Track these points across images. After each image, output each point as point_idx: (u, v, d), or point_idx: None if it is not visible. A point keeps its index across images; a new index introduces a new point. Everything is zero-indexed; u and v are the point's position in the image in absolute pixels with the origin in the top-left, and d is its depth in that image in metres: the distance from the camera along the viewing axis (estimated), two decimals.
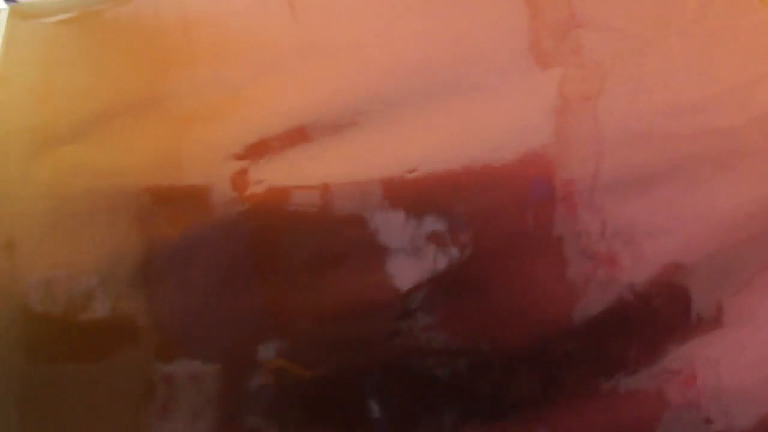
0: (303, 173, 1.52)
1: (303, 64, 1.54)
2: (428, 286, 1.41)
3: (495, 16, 1.36)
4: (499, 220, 1.35)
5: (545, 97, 1.27)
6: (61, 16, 1.56)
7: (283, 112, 1.53)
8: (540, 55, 1.31)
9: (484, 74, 1.38)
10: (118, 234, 1.92)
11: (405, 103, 1.46)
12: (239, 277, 1.71)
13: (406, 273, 1.44)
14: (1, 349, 1.91)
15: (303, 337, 1.57)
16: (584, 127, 1.22)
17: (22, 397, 1.96)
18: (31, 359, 1.94)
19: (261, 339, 1.62)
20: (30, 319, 1.90)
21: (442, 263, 1.40)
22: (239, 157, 1.61)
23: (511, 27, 1.35)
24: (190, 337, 1.80)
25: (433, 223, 1.40)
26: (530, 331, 1.27)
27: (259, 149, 1.58)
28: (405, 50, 1.45)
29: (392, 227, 1.45)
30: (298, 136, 1.52)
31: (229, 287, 1.71)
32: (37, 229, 1.97)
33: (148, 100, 1.67)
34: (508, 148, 1.36)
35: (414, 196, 1.42)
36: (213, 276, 1.72)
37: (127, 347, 1.85)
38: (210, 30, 1.58)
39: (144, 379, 1.83)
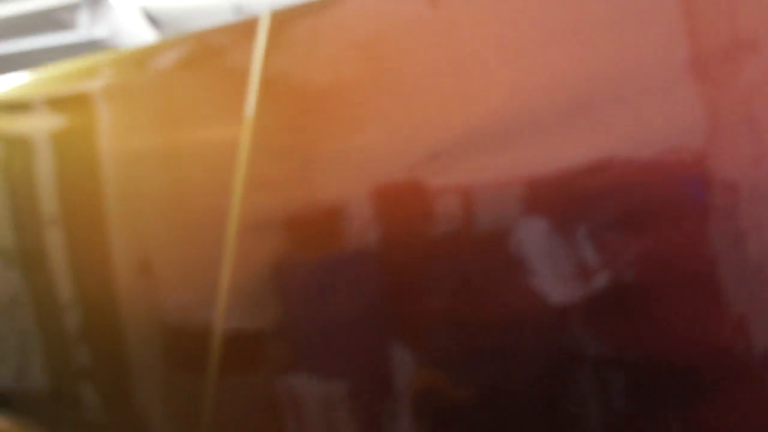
0: (457, 185, 1.54)
1: (458, 80, 1.58)
2: (585, 297, 1.37)
3: (651, 34, 1.32)
4: (656, 230, 1.31)
5: (700, 115, 1.26)
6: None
7: (440, 127, 1.55)
8: (697, 74, 1.28)
9: (637, 92, 1.35)
10: (249, 255, 1.97)
11: (555, 117, 1.45)
12: (378, 299, 1.72)
13: (559, 286, 1.39)
14: (146, 361, 2.05)
15: (449, 359, 1.55)
16: (741, 148, 1.19)
17: (164, 403, 2.12)
18: (171, 370, 2.05)
19: (404, 360, 1.62)
20: (169, 335, 2.01)
21: (599, 273, 1.36)
22: (389, 173, 1.66)
23: (668, 46, 1.32)
24: (323, 356, 1.80)
25: (590, 233, 1.36)
26: (698, 352, 1.25)
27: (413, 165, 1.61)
28: (556, 66, 1.45)
29: (545, 237, 1.41)
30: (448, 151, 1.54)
31: (368, 308, 1.71)
32: (171, 254, 2.06)
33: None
34: (661, 160, 1.33)
35: (569, 205, 1.38)
36: (351, 296, 1.73)
37: (260, 363, 1.89)
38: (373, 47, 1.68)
39: (274, 394, 1.89)
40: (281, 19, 1.77)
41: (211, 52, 2.01)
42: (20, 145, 2.68)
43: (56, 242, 2.50)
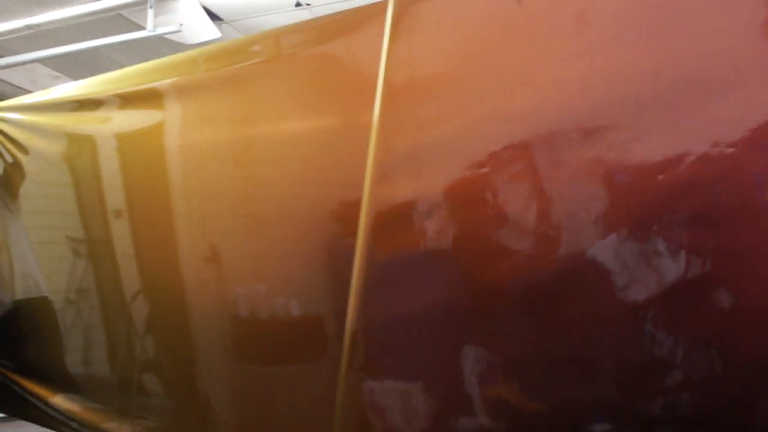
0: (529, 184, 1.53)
1: (532, 74, 1.56)
2: (665, 295, 1.36)
3: (725, 35, 1.33)
4: (730, 226, 1.29)
5: None
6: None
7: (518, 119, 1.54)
8: None
9: (710, 91, 1.34)
10: (314, 248, 1.99)
11: (628, 114, 1.42)
12: (452, 298, 1.73)
13: (637, 285, 1.38)
14: (214, 350, 2.07)
15: (523, 364, 1.55)
16: None
17: (231, 391, 2.14)
18: (238, 359, 2.08)
19: (475, 364, 1.62)
20: (237, 324, 2.04)
21: (674, 269, 1.34)
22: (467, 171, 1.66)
23: (741, 46, 1.32)
24: (391, 353, 1.82)
25: (665, 230, 1.35)
26: None
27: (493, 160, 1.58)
28: (631, 63, 1.43)
29: (620, 234, 1.41)
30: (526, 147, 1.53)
31: (438, 307, 1.72)
32: (238, 244, 2.09)
33: None
34: (734, 158, 1.31)
35: (643, 202, 1.38)
36: (422, 296, 1.74)
37: (321, 356, 1.92)
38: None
39: (334, 387, 1.90)
40: (406, 4, 1.74)
41: (328, 39, 2.00)
42: (88, 141, 2.74)
43: (123, 234, 2.56)
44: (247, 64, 2.20)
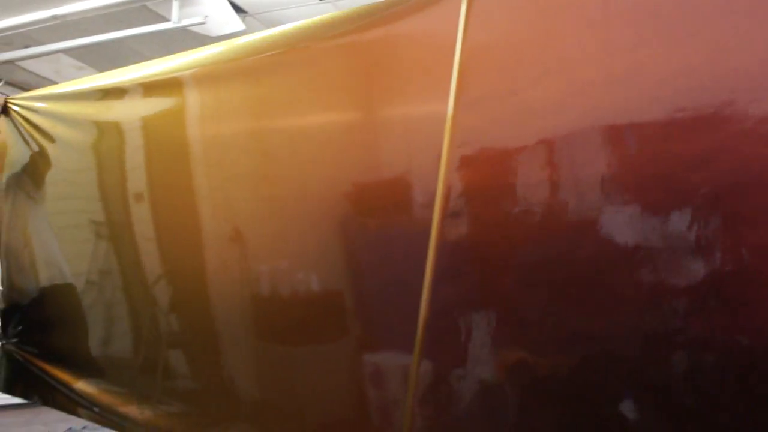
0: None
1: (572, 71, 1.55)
2: (688, 286, 1.36)
3: (760, 38, 1.33)
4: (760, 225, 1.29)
5: None
6: None
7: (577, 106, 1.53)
8: None
9: (745, 92, 1.33)
10: (327, 228, 1.99)
11: (663, 111, 1.42)
12: (455, 271, 1.73)
13: (662, 273, 1.39)
14: (237, 329, 2.09)
15: (543, 334, 1.55)
16: None
17: (254, 369, 2.15)
18: (261, 338, 2.09)
19: (491, 335, 1.62)
20: (259, 303, 2.05)
21: (701, 262, 1.34)
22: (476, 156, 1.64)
23: None
24: (399, 330, 1.83)
25: (694, 225, 1.35)
26: None
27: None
28: (667, 62, 1.43)
29: (646, 226, 1.41)
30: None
31: (446, 282, 1.73)
32: (260, 223, 2.10)
33: None
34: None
35: (674, 197, 1.38)
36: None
37: (338, 334, 1.93)
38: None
39: (351, 365, 1.92)
40: None
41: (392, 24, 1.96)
42: (112, 128, 2.77)
43: (145, 217, 2.59)
44: (275, 53, 2.22)
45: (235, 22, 4.24)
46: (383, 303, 1.85)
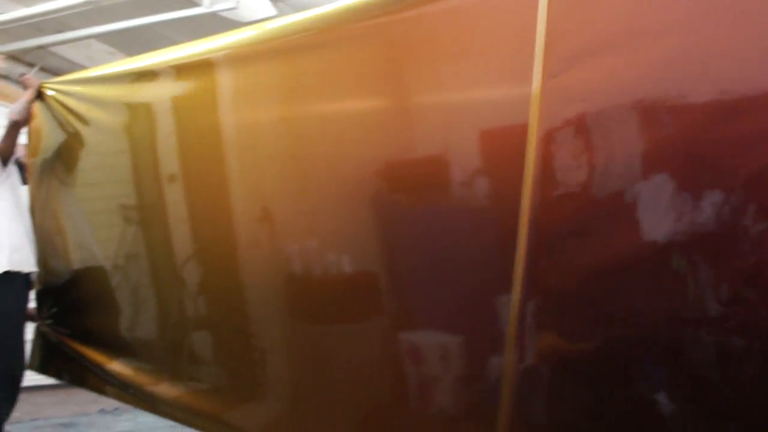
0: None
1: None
2: (712, 258, 1.35)
3: None
4: None
5: None
6: None
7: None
8: None
9: None
10: (363, 207, 1.98)
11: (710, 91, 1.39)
12: (493, 252, 1.70)
13: (689, 248, 1.37)
14: (269, 309, 2.09)
15: (570, 316, 1.53)
16: None
17: (288, 349, 2.15)
18: (294, 318, 2.09)
19: (520, 317, 1.60)
20: (292, 283, 2.05)
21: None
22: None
23: None
24: (435, 309, 1.82)
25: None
26: None
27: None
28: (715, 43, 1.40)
29: (672, 196, 1.39)
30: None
31: (480, 261, 1.70)
32: (290, 203, 2.10)
33: None
34: None
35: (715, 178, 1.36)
36: (464, 248, 1.73)
37: (372, 313, 1.92)
38: None
39: (388, 345, 1.91)
40: None
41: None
42: (144, 110, 2.79)
43: (176, 199, 2.61)
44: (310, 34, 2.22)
45: (267, 8, 4.23)
46: (469, 291, 1.77)
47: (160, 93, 2.71)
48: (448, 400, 1.82)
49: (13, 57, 6.18)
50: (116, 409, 5.03)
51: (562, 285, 1.57)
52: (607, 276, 1.51)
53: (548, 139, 1.57)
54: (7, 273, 3.08)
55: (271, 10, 4.24)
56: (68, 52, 5.89)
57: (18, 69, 5.93)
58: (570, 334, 1.57)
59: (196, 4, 4.36)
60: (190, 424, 2.53)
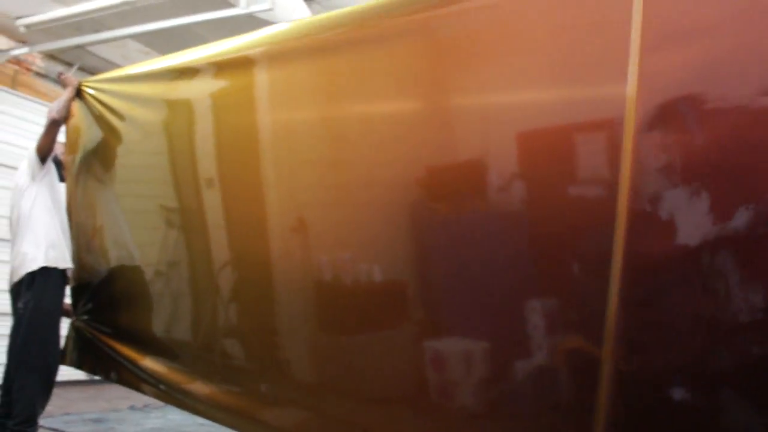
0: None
1: None
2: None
3: None
4: None
5: None
6: None
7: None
8: None
9: None
10: (394, 214, 1.96)
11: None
12: (527, 262, 1.68)
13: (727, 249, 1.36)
14: (298, 319, 2.07)
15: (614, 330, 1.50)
16: None
17: (318, 356, 2.11)
18: (325, 323, 2.08)
19: (556, 324, 1.57)
20: (322, 292, 2.03)
21: None
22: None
23: None
24: (462, 316, 1.80)
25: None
26: None
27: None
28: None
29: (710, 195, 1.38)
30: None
31: (514, 272, 1.68)
32: (322, 213, 2.08)
33: None
34: None
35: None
36: (493, 258, 1.70)
37: (400, 322, 1.90)
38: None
39: (414, 353, 1.89)
40: None
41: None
42: (183, 112, 2.80)
43: (214, 203, 2.61)
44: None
45: (302, 9, 4.26)
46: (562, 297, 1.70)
47: (200, 90, 2.71)
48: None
49: (52, 56, 6.29)
50: (146, 406, 5.08)
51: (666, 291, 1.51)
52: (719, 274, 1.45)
53: (646, 138, 1.51)
54: (43, 269, 3.12)
55: (306, 11, 4.27)
56: (105, 52, 5.98)
57: (56, 68, 6.04)
58: (672, 340, 1.51)
59: (232, 5, 4.39)
60: (222, 423, 2.54)
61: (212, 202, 2.61)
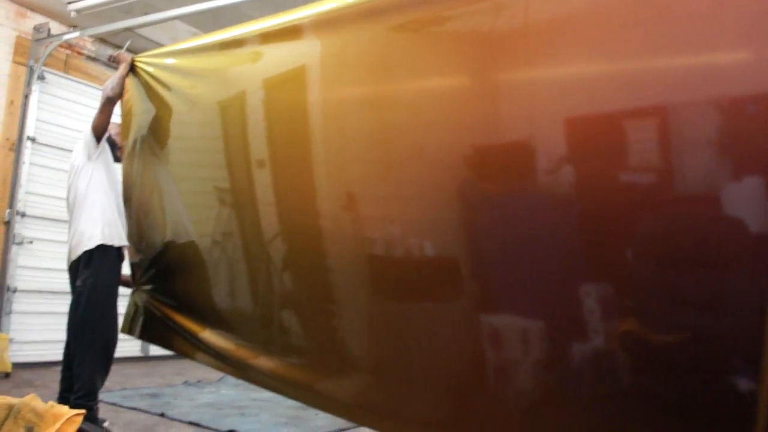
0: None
1: None
2: None
3: None
4: None
5: None
6: None
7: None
8: None
9: None
10: (443, 191, 1.93)
11: None
12: (574, 237, 1.65)
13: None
14: (353, 288, 2.07)
15: (653, 303, 1.49)
16: None
17: (368, 328, 2.12)
18: (375, 297, 2.07)
19: (602, 302, 1.55)
20: (374, 264, 2.01)
21: None
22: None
23: None
24: (515, 292, 1.78)
25: None
26: None
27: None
28: None
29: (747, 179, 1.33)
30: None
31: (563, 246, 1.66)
32: (372, 189, 2.07)
33: None
34: None
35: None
36: (542, 235, 1.68)
37: (452, 295, 1.89)
38: None
39: (466, 327, 1.87)
40: None
41: None
42: (235, 81, 2.79)
43: (265, 181, 2.61)
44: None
45: None
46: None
47: (252, 64, 2.71)
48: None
49: (102, 39, 6.39)
50: (200, 381, 5.18)
51: None
52: None
53: None
54: (100, 246, 3.18)
55: None
56: (154, 34, 6.04)
57: (107, 51, 6.13)
58: None
59: None
60: (280, 392, 2.57)
61: (265, 180, 2.59)
